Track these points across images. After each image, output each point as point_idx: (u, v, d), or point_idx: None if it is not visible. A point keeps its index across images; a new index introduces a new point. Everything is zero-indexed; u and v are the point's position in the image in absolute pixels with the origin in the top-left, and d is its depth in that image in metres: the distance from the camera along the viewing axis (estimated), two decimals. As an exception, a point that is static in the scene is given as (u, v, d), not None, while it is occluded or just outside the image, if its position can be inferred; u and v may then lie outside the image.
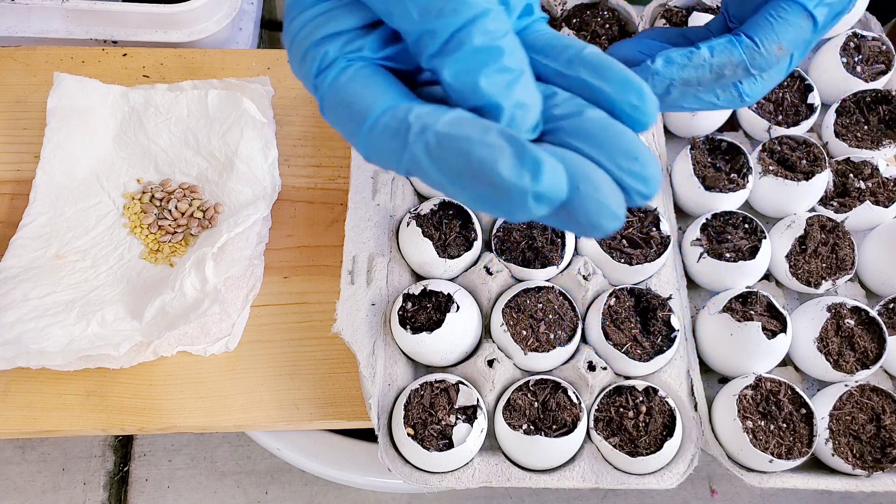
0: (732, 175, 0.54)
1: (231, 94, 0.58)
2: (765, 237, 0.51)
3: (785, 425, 0.46)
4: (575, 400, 0.47)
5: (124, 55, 0.62)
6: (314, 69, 0.27)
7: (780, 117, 0.58)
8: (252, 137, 0.57)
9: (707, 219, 0.53)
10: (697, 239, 0.53)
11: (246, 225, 0.53)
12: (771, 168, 0.54)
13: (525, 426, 0.46)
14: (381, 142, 0.25)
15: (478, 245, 0.52)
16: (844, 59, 0.59)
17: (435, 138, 0.24)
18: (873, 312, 0.50)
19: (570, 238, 0.51)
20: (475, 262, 0.52)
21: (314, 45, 0.27)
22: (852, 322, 0.49)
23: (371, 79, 0.27)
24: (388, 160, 0.26)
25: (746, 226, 0.52)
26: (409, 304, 0.49)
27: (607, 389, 0.48)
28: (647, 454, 0.46)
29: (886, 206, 0.54)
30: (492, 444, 0.48)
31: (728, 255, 0.51)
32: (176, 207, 0.56)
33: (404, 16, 0.25)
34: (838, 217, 0.53)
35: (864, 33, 0.60)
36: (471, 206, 0.25)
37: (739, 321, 0.48)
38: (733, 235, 0.52)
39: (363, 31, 0.28)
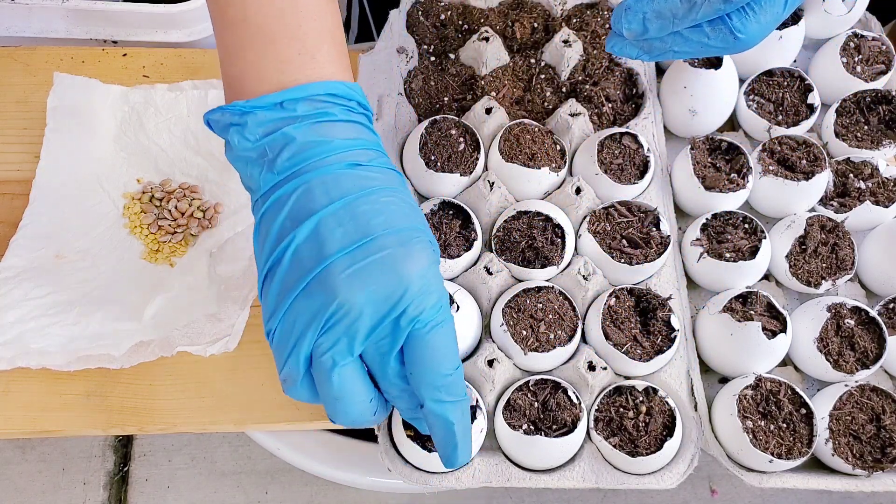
0: (732, 175, 0.54)
1: (231, 94, 0.58)
2: (765, 237, 0.51)
3: (785, 425, 0.46)
4: (575, 400, 0.47)
5: (124, 55, 0.62)
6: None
7: (780, 117, 0.58)
8: (252, 137, 0.57)
9: (707, 219, 0.53)
10: (697, 239, 0.53)
11: (246, 225, 0.53)
12: (771, 168, 0.54)
13: (525, 426, 0.46)
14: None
15: (478, 245, 0.52)
16: (844, 59, 0.59)
17: None
18: (873, 312, 0.50)
19: (569, 238, 0.52)
20: (475, 262, 0.52)
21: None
22: (852, 322, 0.49)
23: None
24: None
25: (746, 226, 0.52)
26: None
27: (607, 389, 0.48)
28: (647, 454, 0.46)
29: (886, 206, 0.54)
30: (492, 444, 0.48)
31: (728, 255, 0.51)
32: (176, 207, 0.56)
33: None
34: (838, 217, 0.53)
35: (864, 33, 0.60)
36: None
37: (739, 321, 0.48)
38: (733, 235, 0.52)
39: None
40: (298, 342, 0.36)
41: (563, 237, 0.51)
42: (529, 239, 0.51)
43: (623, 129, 0.55)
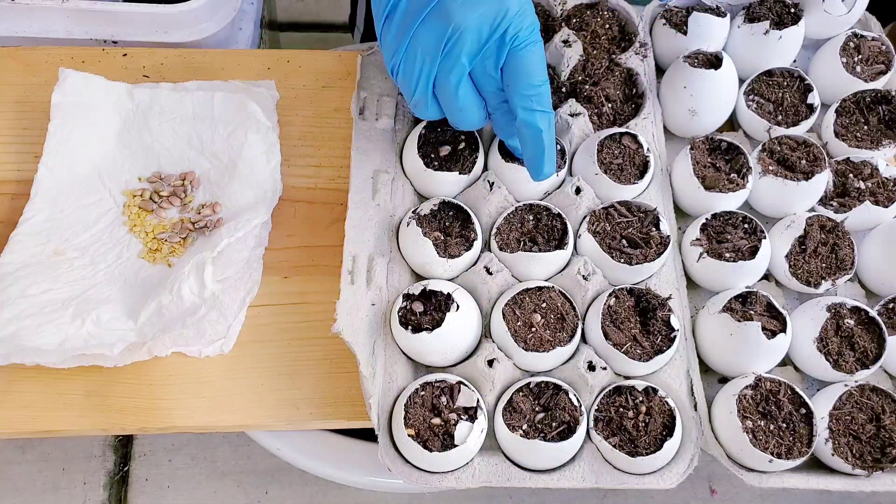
0: (732, 175, 0.54)
1: (236, 96, 0.58)
2: (764, 237, 0.51)
3: (785, 425, 0.47)
4: (575, 403, 0.47)
5: (124, 55, 0.62)
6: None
7: (780, 117, 0.58)
8: (256, 141, 0.57)
9: (707, 219, 0.53)
10: (697, 239, 0.53)
11: (246, 229, 0.53)
12: (771, 168, 0.54)
13: (524, 428, 0.46)
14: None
15: (478, 245, 0.52)
16: (844, 59, 0.59)
17: None
18: (873, 312, 0.50)
19: (570, 236, 0.51)
20: (475, 262, 0.52)
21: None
22: (852, 322, 0.50)
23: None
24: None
25: (746, 226, 0.52)
26: (410, 304, 0.49)
27: (607, 389, 0.48)
28: (647, 454, 0.46)
29: (886, 206, 0.54)
30: (492, 444, 0.48)
31: (728, 254, 0.51)
32: (173, 205, 0.56)
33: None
34: (838, 217, 0.53)
35: (864, 33, 0.60)
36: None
37: (739, 321, 0.48)
38: (733, 235, 0.52)
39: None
40: (423, 68, 0.45)
41: (563, 226, 0.51)
42: (536, 220, 0.52)
43: (623, 130, 0.55)
